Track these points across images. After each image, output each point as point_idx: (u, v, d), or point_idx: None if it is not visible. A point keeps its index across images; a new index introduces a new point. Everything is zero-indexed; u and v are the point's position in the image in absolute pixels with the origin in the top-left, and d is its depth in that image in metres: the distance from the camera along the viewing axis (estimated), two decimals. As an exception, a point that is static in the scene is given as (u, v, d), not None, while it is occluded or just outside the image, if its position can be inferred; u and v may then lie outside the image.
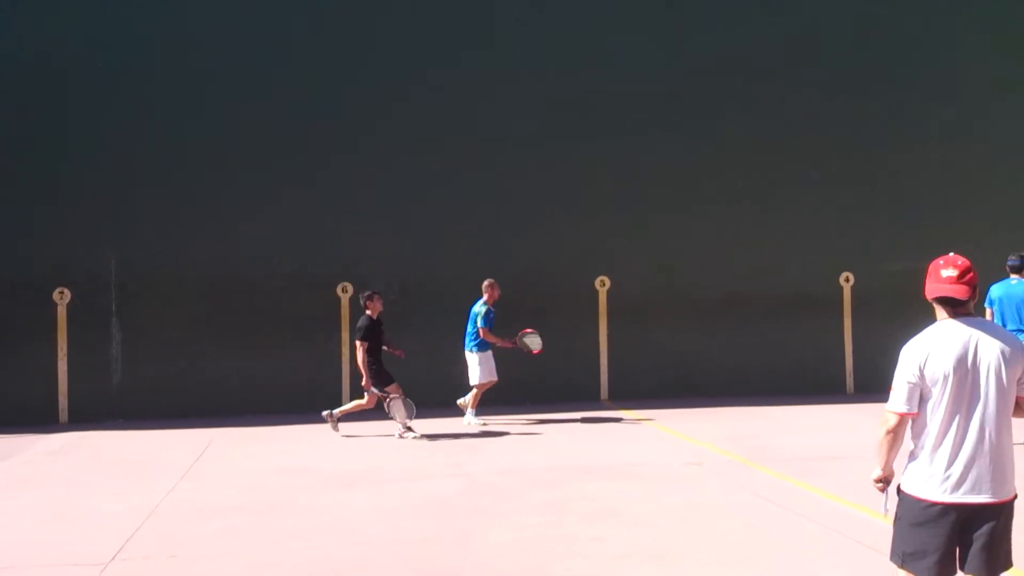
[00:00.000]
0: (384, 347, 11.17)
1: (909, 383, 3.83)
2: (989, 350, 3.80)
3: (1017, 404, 3.88)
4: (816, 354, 14.18)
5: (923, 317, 4.18)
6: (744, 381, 14.03)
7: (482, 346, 11.80)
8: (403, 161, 13.52)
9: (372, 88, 13.46)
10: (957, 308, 3.89)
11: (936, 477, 3.80)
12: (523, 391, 13.01)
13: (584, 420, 12.16)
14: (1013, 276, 10.14)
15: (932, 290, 3.90)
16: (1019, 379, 3.83)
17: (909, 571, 3.90)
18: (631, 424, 11.95)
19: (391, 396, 10.87)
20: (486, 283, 11.90)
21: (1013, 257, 10.26)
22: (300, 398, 12.59)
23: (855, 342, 14.24)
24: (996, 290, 10.22)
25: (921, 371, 3.81)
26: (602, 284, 13.98)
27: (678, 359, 13.91)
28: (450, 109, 13.63)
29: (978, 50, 14.86)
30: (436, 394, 12.36)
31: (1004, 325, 9.78)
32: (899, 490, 3.94)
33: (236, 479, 9.02)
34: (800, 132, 14.39)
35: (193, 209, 13.09)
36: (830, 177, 14.40)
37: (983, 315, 9.84)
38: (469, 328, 11.89)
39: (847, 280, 14.34)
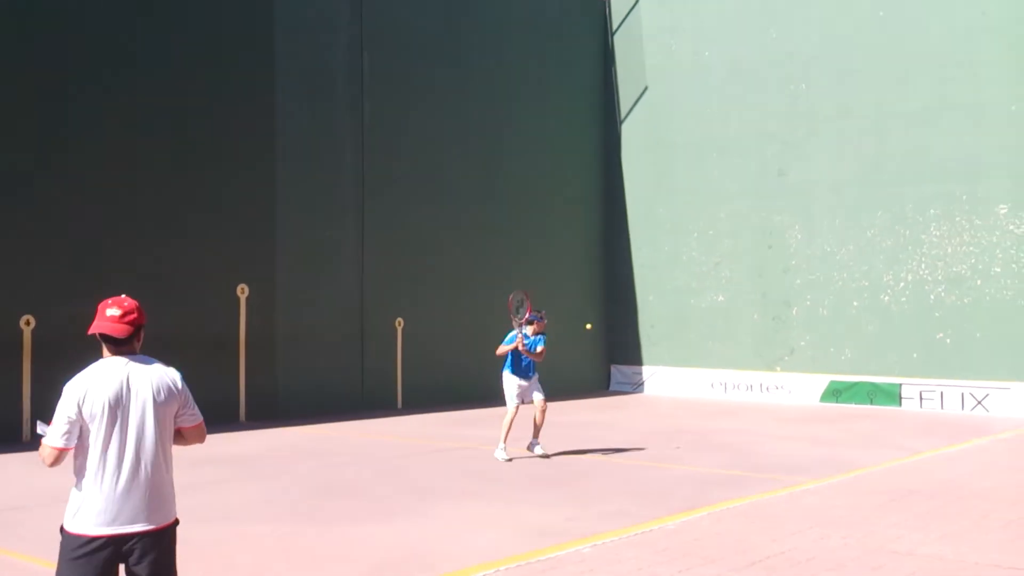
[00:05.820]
0: None
1: (68, 419, 3.98)
2: (145, 387, 4.07)
3: (179, 434, 4.20)
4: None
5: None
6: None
7: None
8: None
9: None
10: (120, 347, 4.10)
11: (95, 511, 3.95)
12: None
13: None
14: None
15: (95, 327, 4.08)
16: (177, 413, 4.14)
17: None
18: None
19: None
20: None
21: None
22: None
23: (34, 385, 13.04)
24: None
25: (79, 407, 3.98)
26: None
27: None
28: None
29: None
30: None
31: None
32: (62, 529, 3.99)
33: None
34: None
35: None
36: (14, 220, 13.31)
37: None
38: None
39: (28, 323, 13.31)
